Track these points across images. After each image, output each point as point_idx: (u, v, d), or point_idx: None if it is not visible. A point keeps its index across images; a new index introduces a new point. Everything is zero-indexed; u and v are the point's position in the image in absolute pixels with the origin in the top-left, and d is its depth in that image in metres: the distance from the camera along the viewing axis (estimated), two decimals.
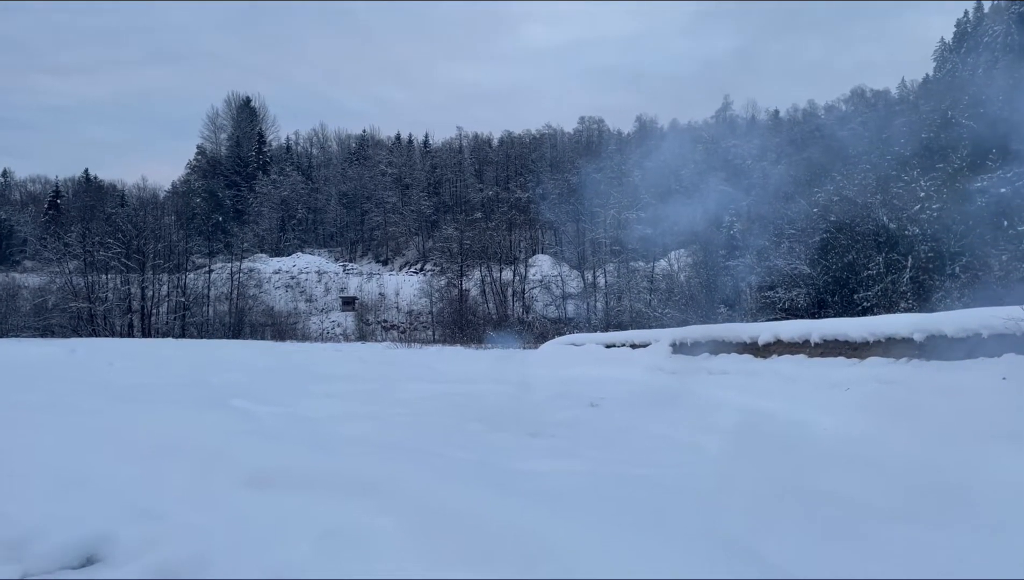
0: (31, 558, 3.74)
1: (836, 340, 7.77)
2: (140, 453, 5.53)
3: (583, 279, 60.62)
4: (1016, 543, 3.30)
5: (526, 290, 63.23)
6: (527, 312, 60.84)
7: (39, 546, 3.82)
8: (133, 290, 48.04)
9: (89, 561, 3.79)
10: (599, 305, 56.82)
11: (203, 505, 4.47)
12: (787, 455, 5.17)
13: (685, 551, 3.06)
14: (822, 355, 7.87)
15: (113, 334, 43.45)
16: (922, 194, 27.83)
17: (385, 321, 66.92)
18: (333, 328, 64.58)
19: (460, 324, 53.27)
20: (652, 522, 3.53)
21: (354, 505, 4.27)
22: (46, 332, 41.35)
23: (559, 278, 61.99)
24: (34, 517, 4.15)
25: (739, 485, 4.39)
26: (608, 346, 13.38)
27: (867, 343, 7.24)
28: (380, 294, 72.94)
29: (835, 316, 14.56)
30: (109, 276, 48.03)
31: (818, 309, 27.97)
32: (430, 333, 56.04)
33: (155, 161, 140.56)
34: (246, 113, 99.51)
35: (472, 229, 68.60)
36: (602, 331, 37.09)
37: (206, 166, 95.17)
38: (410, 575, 3.38)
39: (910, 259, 27.38)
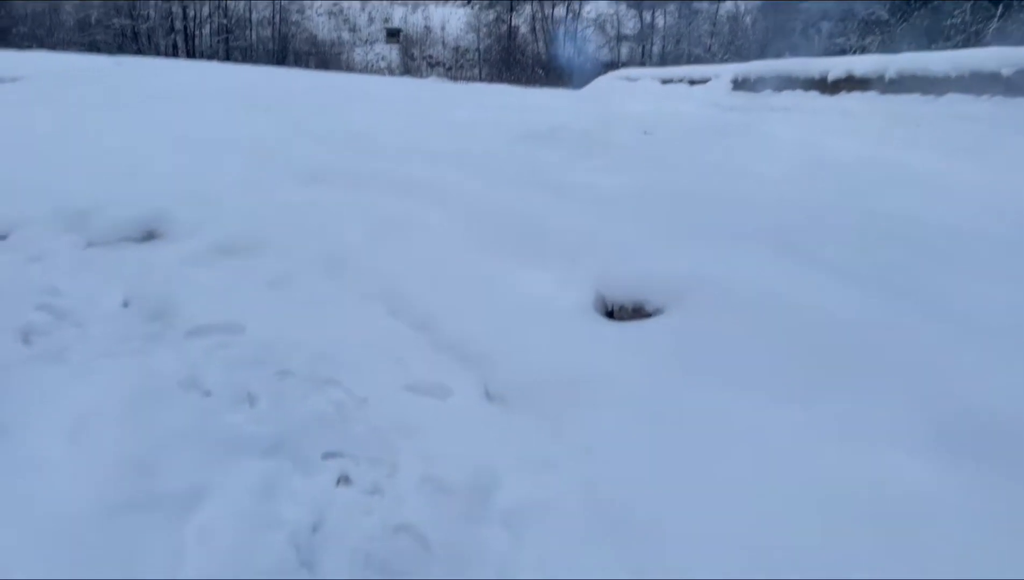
0: (94, 230, 3.87)
1: (913, 75, 7.23)
2: (194, 146, 5.56)
3: (640, 19, 56.96)
4: None
5: (579, 30, 59.90)
6: (579, 53, 58.14)
7: (102, 220, 3.94)
8: (174, 9, 46.54)
9: (149, 236, 3.92)
10: (655, 49, 53.96)
11: (257, 194, 4.54)
12: (847, 181, 5.01)
13: (741, 250, 3.03)
14: (895, 92, 7.38)
15: (157, 54, 42.84)
16: None
17: (430, 56, 64.69)
18: (377, 61, 62.82)
19: (508, 63, 51.39)
20: (705, 227, 3.49)
21: (405, 201, 4.30)
22: (91, 48, 40.86)
23: (615, 17, 58.27)
24: (96, 196, 4.25)
25: (796, 203, 4.29)
26: (664, 81, 12.77)
27: (947, 78, 6.73)
28: (426, 27, 69.80)
29: None
30: None
31: None
32: (477, 71, 54.34)
33: None
34: None
35: None
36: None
37: None
38: (461, 259, 3.44)
39: (1000, 7, 24.96)
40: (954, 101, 6.48)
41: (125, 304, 3.16)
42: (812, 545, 1.63)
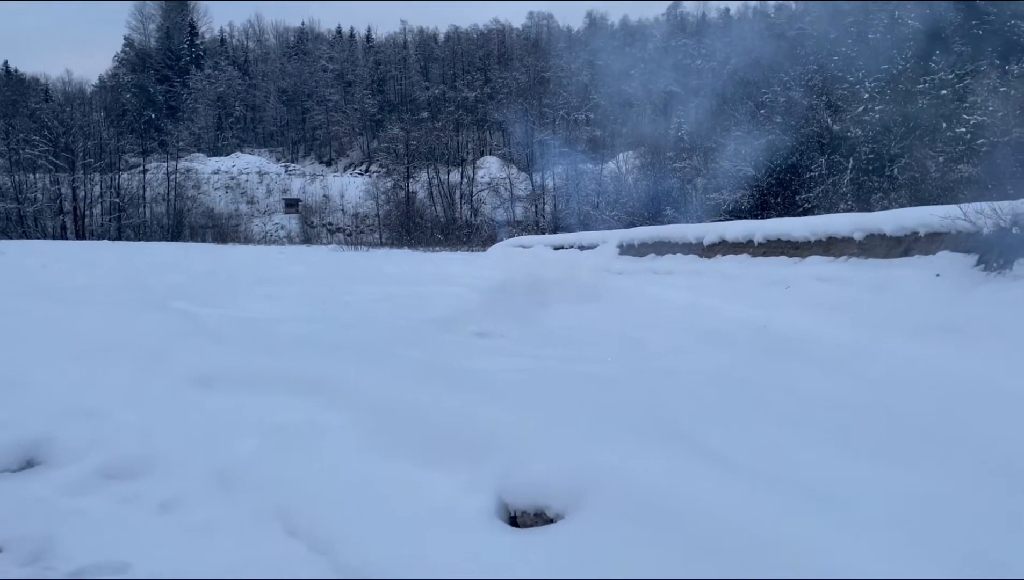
0: None
1: (779, 240, 7.91)
2: (79, 354, 5.39)
3: (531, 181, 60.27)
4: (945, 421, 3.48)
5: (474, 193, 62.70)
6: (475, 215, 60.52)
7: None
8: (64, 190, 46.11)
9: (29, 464, 3.71)
10: (547, 208, 56.82)
11: (146, 404, 4.41)
12: (728, 348, 5.31)
13: (630, 439, 3.14)
14: (765, 254, 8.02)
15: (45, 236, 41.91)
16: (866, 96, 28.05)
17: (330, 224, 65.91)
18: (276, 231, 63.46)
19: (407, 227, 52.87)
20: (597, 414, 3.60)
21: (302, 402, 4.26)
22: None
23: (507, 180, 61.51)
24: None
25: (683, 378, 4.50)
26: (556, 248, 13.43)
27: (808, 242, 7.40)
28: (324, 196, 71.50)
29: (777, 217, 14.87)
30: (37, 176, 45.90)
31: (761, 210, 28.36)
32: (377, 236, 55.59)
33: (80, 53, 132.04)
34: (175, 2, 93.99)
35: (418, 129, 67.16)
36: (550, 233, 37.28)
37: (135, 59, 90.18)
38: (361, 467, 3.41)
39: (851, 161, 27.82)
40: (816, 262, 7.08)
41: (0, 549, 2.96)
42: None
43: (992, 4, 27.52)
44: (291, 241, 54.16)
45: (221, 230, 52.79)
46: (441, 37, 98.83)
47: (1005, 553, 2.26)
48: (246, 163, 76.90)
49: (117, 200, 48.24)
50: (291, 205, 70.34)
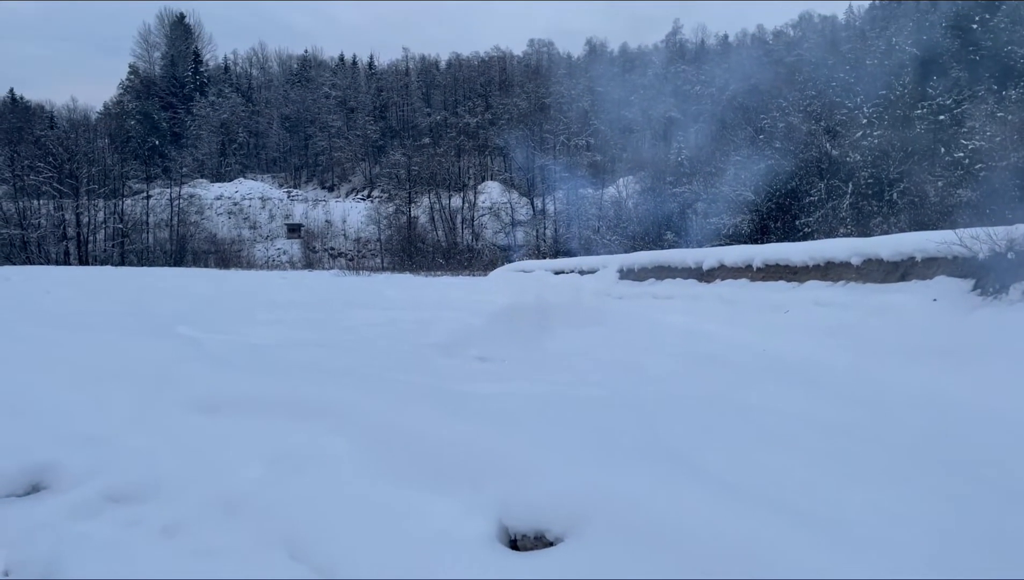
0: None
1: (777, 264, 7.97)
2: (83, 380, 5.43)
3: (532, 206, 60.58)
4: (940, 444, 3.51)
5: (475, 217, 62.97)
6: (476, 239, 60.73)
7: None
8: (67, 216, 46.34)
9: (34, 488, 3.75)
10: (548, 232, 57.05)
11: (151, 430, 4.44)
12: (726, 373, 5.35)
13: (629, 462, 3.17)
14: (764, 279, 8.08)
15: (48, 261, 42.06)
16: (864, 121, 28.28)
17: (332, 249, 66.09)
18: (279, 256, 63.64)
19: (409, 252, 53.09)
20: (597, 438, 3.64)
21: (306, 428, 4.29)
22: None
23: (508, 205, 61.83)
24: None
25: (680, 401, 4.54)
26: (557, 273, 13.50)
27: (807, 267, 7.46)
28: (327, 221, 71.78)
29: (777, 241, 14.92)
30: (41, 202, 46.19)
31: (761, 235, 28.45)
32: (379, 261, 55.74)
33: (85, 81, 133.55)
34: (180, 31, 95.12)
35: (420, 155, 67.64)
36: (551, 257, 37.42)
37: (140, 87, 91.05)
38: (363, 491, 3.44)
39: (850, 185, 27.98)
40: (815, 287, 7.14)
41: (6, 573, 2.99)
42: None
43: (988, 31, 27.85)
44: (293, 266, 54.32)
45: (223, 255, 52.97)
46: (443, 64, 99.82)
47: (1002, 565, 2.30)
48: (249, 189, 77.33)
49: (120, 226, 48.47)
50: (293, 230, 70.62)
